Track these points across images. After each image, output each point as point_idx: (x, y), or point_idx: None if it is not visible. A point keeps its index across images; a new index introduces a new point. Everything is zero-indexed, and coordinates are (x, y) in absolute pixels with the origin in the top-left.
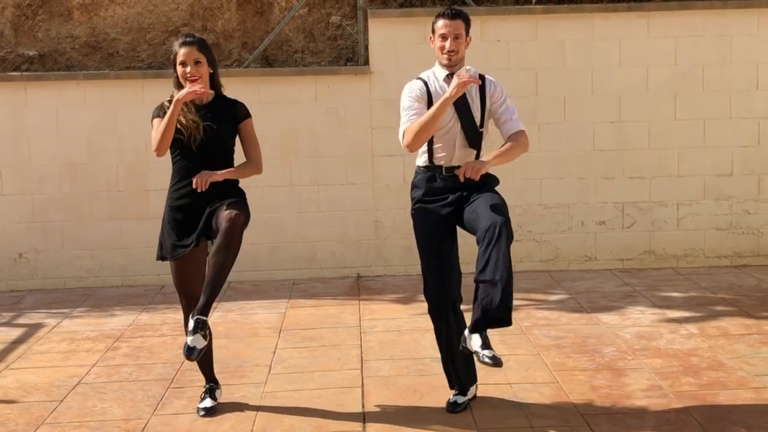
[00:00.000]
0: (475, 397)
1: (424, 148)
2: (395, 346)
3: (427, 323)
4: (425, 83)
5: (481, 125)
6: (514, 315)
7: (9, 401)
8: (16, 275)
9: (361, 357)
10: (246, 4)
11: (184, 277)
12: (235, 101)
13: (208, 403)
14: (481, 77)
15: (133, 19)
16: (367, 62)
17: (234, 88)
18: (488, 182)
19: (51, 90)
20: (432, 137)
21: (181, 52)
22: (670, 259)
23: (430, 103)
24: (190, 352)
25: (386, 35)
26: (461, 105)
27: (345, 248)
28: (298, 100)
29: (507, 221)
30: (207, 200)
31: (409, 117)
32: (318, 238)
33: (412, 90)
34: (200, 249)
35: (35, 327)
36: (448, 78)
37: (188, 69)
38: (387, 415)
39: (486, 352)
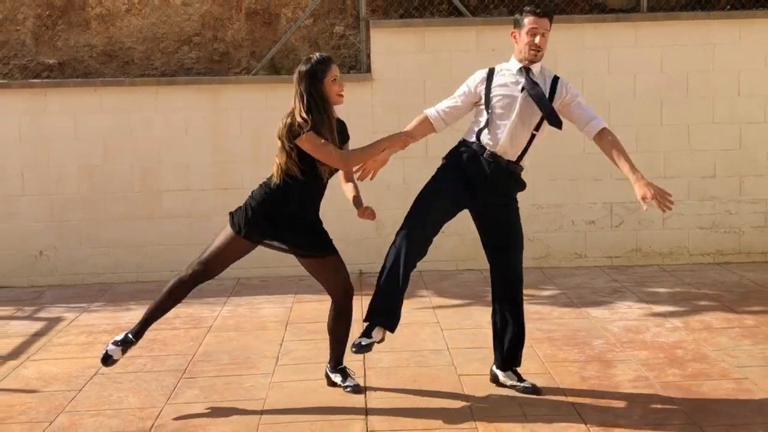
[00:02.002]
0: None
1: (477, 124)
2: (395, 338)
3: (426, 317)
4: (489, 72)
5: (537, 128)
6: None
7: (30, 390)
8: (36, 272)
9: None
10: (254, 15)
11: (231, 256)
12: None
13: (350, 381)
14: (555, 78)
15: (147, 29)
16: (369, 70)
17: (243, 94)
18: (513, 205)
19: (69, 96)
20: (491, 118)
21: (335, 68)
22: (656, 256)
23: (488, 92)
24: None
25: (387, 44)
26: (539, 98)
27: (348, 246)
28: None
29: (520, 279)
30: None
31: (446, 103)
32: None
33: (473, 79)
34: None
35: (55, 321)
36: (520, 71)
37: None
38: (387, 404)
39: (524, 383)
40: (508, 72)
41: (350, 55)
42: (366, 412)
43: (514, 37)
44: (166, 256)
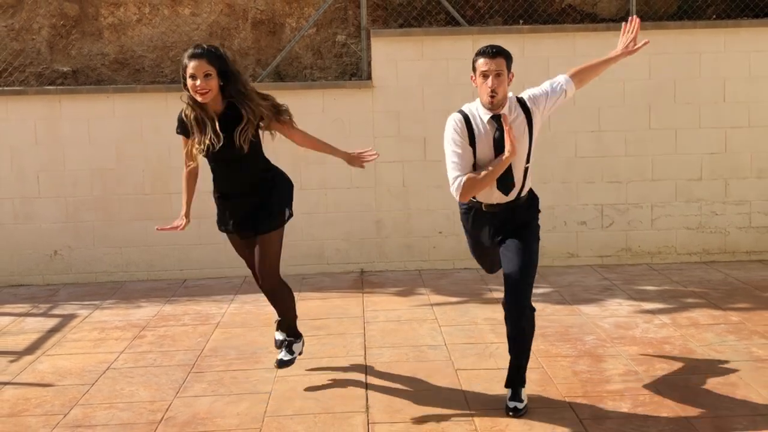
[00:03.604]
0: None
1: None
2: (395, 334)
3: (424, 314)
4: (465, 118)
5: (527, 160)
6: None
7: (45, 384)
8: (51, 270)
9: (365, 344)
10: (260, 24)
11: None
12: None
13: (284, 355)
14: (520, 100)
15: (157, 38)
16: (369, 77)
17: None
18: (531, 218)
19: (83, 102)
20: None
21: (191, 65)
22: (645, 255)
23: (471, 140)
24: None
25: (387, 53)
26: (499, 148)
27: (350, 246)
28: (307, 112)
29: (528, 305)
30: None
31: (456, 165)
32: (325, 236)
33: (454, 128)
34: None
35: (69, 317)
36: (492, 121)
37: (198, 82)
38: (388, 397)
39: (509, 403)
40: (480, 121)
41: (352, 63)
42: (367, 404)
43: (474, 81)
44: (176, 256)
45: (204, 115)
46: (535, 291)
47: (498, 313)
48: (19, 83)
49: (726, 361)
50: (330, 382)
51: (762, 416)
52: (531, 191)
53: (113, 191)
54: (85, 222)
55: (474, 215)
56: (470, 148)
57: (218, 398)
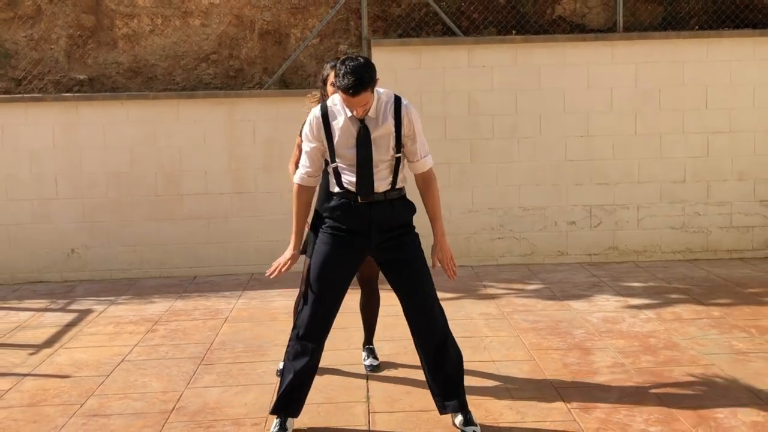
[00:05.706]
0: None
1: (333, 173)
2: (395, 328)
3: None
4: (324, 115)
5: (398, 150)
6: (498, 302)
7: (63, 376)
8: (68, 268)
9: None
10: (266, 34)
11: None
12: None
13: (372, 361)
14: (397, 99)
15: (169, 47)
16: None
17: (256, 107)
18: (411, 236)
19: (99, 108)
20: (336, 165)
21: (333, 74)
22: (631, 254)
23: (328, 135)
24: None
25: (387, 61)
26: (363, 145)
27: None
28: None
29: (444, 325)
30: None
31: (303, 161)
32: None
33: (310, 124)
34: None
35: (85, 312)
36: (354, 118)
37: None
38: (388, 388)
39: (468, 428)
40: (342, 117)
41: None
42: (368, 394)
43: (328, 87)
44: (187, 254)
45: None
46: (527, 288)
47: (492, 308)
48: (38, 90)
49: (708, 354)
50: (332, 373)
51: (742, 406)
52: (405, 200)
53: (127, 193)
54: (100, 222)
55: (341, 212)
56: (322, 146)
57: (227, 389)
